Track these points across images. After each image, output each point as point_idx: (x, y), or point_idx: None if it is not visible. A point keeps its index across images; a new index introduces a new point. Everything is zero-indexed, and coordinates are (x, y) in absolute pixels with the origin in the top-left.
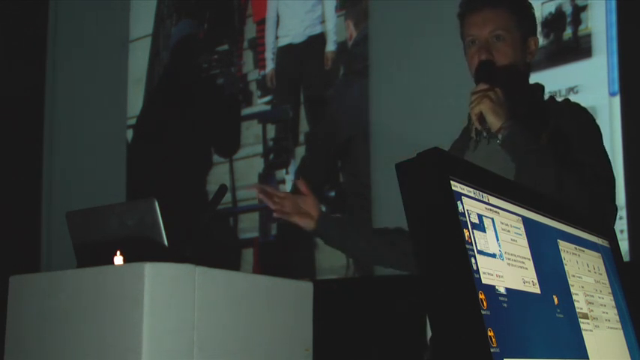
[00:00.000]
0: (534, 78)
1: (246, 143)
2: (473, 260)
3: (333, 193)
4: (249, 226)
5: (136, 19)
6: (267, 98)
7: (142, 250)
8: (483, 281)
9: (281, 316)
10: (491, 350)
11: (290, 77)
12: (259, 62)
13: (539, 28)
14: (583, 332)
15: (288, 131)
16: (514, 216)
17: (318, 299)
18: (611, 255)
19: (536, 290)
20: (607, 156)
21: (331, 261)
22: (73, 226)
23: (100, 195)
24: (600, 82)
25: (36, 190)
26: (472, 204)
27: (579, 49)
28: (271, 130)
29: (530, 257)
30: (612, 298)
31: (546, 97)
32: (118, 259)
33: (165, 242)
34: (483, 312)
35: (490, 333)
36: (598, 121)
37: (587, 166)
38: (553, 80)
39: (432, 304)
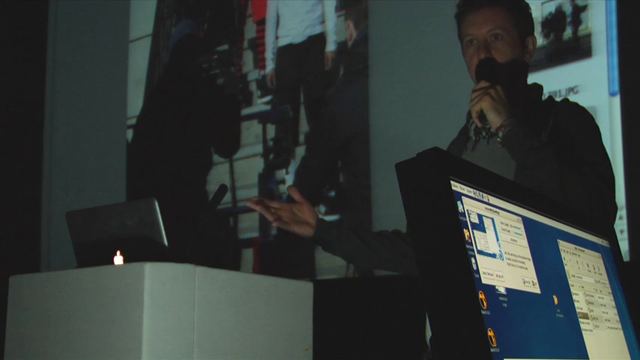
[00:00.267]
0: (534, 78)
1: (246, 143)
2: (473, 260)
3: (333, 193)
4: (249, 226)
5: (136, 19)
6: (267, 98)
7: (142, 250)
8: (483, 281)
9: (281, 316)
10: (491, 350)
11: (290, 77)
12: (259, 62)
13: (539, 28)
14: (583, 332)
15: (288, 131)
16: (514, 216)
17: (318, 299)
18: (611, 255)
19: (536, 290)
20: (607, 155)
21: (331, 261)
22: (73, 226)
23: (100, 195)
24: (600, 82)
25: (36, 190)
26: (472, 204)
27: (579, 49)
28: (271, 130)
29: (530, 257)
30: (612, 298)
31: (545, 97)
32: (118, 259)
33: (165, 242)
34: (483, 312)
35: (490, 333)
36: (598, 121)
37: (587, 164)
38: (553, 80)
39: (432, 304)
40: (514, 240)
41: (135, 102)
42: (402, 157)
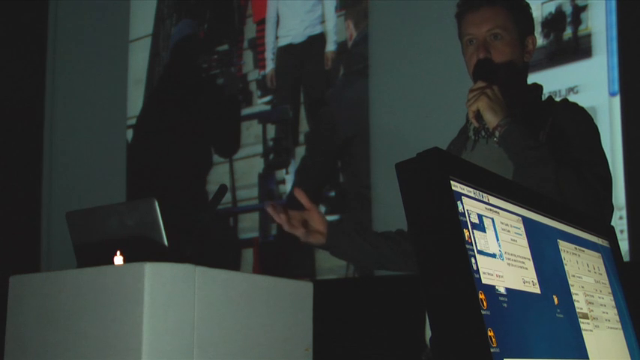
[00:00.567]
0: (534, 78)
1: (246, 143)
2: (473, 260)
3: (333, 193)
4: (249, 226)
5: (136, 19)
6: (267, 98)
7: (142, 250)
8: (483, 281)
9: (281, 316)
10: (491, 350)
11: (290, 77)
12: (259, 62)
13: (539, 28)
14: (583, 332)
15: (288, 131)
16: (514, 216)
17: (318, 299)
18: (611, 255)
19: (536, 290)
20: (604, 155)
21: (331, 261)
22: (73, 226)
23: (100, 195)
24: (600, 82)
25: (36, 190)
26: (472, 204)
27: (579, 49)
28: (271, 130)
29: (530, 257)
30: (612, 298)
31: (545, 97)
32: (118, 259)
33: (165, 242)
34: (483, 312)
35: (490, 333)
36: (598, 121)
37: (584, 164)
38: (553, 80)
39: (432, 304)
40: (514, 240)
41: (135, 102)
42: (402, 157)
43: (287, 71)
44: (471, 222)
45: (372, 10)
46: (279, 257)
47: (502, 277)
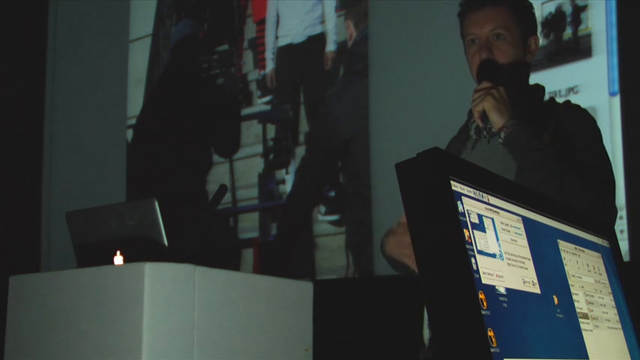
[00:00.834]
0: (534, 78)
1: (246, 143)
2: (473, 260)
3: (333, 193)
4: (249, 226)
5: (136, 19)
6: (267, 98)
7: (142, 250)
8: (483, 281)
9: (281, 316)
10: (491, 350)
11: (290, 77)
12: (259, 62)
13: (539, 28)
14: (583, 332)
15: (288, 131)
16: (514, 216)
17: (318, 299)
18: (611, 255)
19: (536, 290)
20: (608, 158)
21: (331, 261)
22: (73, 226)
23: (100, 195)
24: (600, 82)
25: (36, 190)
26: (472, 204)
27: (579, 49)
28: (271, 130)
29: (530, 257)
30: (612, 298)
31: (546, 97)
32: (118, 259)
33: (165, 242)
34: (483, 312)
35: (490, 333)
36: (598, 121)
37: (588, 166)
38: (553, 80)
39: (432, 304)
40: (514, 240)
41: (135, 102)
42: (402, 157)
43: (287, 71)
44: (471, 222)
45: (372, 10)
46: (279, 257)
47: (502, 277)
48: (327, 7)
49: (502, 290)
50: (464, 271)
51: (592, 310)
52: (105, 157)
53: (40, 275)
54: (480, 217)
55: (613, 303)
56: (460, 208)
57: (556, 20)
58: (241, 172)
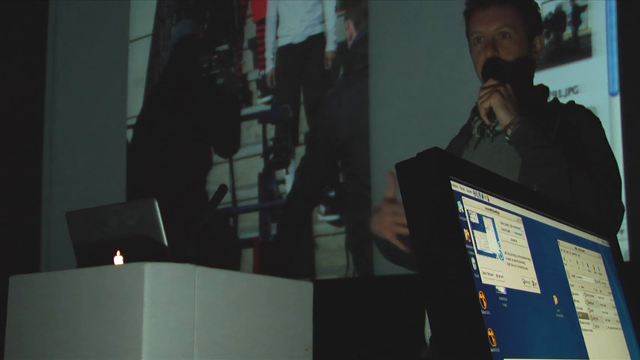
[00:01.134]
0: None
1: (246, 143)
2: (473, 260)
3: (333, 193)
4: (249, 226)
5: (136, 19)
6: (267, 98)
7: (142, 250)
8: (483, 281)
9: (281, 316)
10: (491, 350)
11: (290, 77)
12: (259, 62)
13: None
14: (583, 332)
15: (288, 131)
16: (514, 216)
17: (318, 299)
18: (611, 255)
19: (536, 290)
20: (614, 156)
21: (331, 261)
22: (73, 226)
23: (100, 195)
24: (600, 82)
25: (36, 190)
26: (472, 204)
27: (579, 49)
28: (271, 130)
29: (530, 257)
30: (612, 298)
31: (549, 98)
32: (118, 259)
33: (165, 242)
34: (483, 312)
35: (490, 333)
36: None
37: (595, 166)
38: (553, 80)
39: (432, 304)
40: (514, 240)
41: (135, 102)
42: (402, 157)
43: (287, 71)
44: (471, 222)
45: (372, 10)
46: (279, 257)
47: (502, 277)
48: (327, 7)
49: (502, 290)
50: (464, 271)
51: (592, 310)
52: (105, 157)
53: (40, 275)
54: (479, 217)
55: (613, 303)
56: (460, 208)
57: (556, 20)
58: (241, 172)
